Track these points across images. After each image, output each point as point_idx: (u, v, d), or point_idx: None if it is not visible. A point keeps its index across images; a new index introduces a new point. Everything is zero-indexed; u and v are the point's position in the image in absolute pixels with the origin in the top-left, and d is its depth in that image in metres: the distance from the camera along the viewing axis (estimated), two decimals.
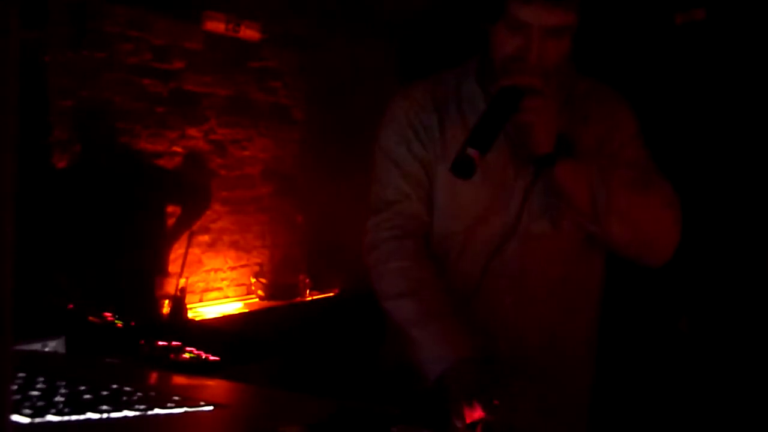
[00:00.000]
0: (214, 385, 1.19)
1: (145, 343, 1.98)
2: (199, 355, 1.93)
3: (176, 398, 0.87)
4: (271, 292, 4.36)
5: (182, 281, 3.46)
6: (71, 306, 2.34)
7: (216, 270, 4.32)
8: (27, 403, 0.79)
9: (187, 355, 1.92)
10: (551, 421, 1.43)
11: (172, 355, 1.92)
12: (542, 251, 1.43)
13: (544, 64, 1.28)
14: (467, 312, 1.37)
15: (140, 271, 3.37)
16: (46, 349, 1.42)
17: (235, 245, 4.42)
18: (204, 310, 4.07)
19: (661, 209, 1.36)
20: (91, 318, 2.22)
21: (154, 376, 1.28)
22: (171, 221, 3.63)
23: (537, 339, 1.45)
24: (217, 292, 4.31)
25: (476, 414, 1.14)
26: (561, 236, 1.43)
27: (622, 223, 1.32)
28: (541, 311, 1.45)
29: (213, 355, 1.93)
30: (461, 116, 1.43)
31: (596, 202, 1.31)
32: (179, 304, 3.41)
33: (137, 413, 0.79)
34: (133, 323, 2.20)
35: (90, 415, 0.77)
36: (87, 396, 0.84)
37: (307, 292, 4.42)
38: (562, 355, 1.47)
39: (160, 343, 1.99)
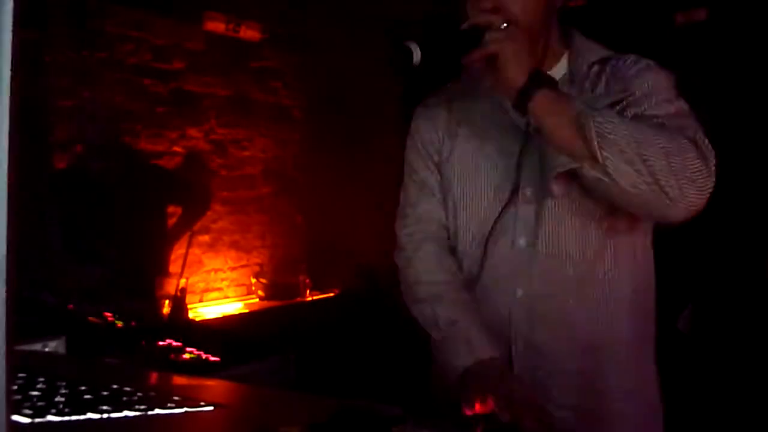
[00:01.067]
0: (214, 385, 1.19)
1: (146, 343, 1.99)
2: (199, 356, 1.93)
3: (176, 398, 0.87)
4: (271, 292, 4.36)
5: (182, 281, 3.46)
6: (71, 306, 2.34)
7: (216, 270, 4.33)
8: (27, 404, 0.79)
9: (187, 356, 1.92)
10: None
11: (172, 356, 1.92)
12: (556, 233, 1.31)
13: (506, 14, 1.24)
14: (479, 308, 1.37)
15: (141, 271, 3.37)
16: (47, 350, 1.42)
17: (235, 245, 4.43)
18: (204, 310, 4.07)
19: (676, 141, 1.15)
20: (91, 318, 2.21)
21: (154, 377, 1.28)
22: (171, 221, 3.63)
23: (560, 339, 1.33)
24: (217, 292, 4.31)
25: (488, 407, 1.14)
26: (577, 215, 1.30)
27: (622, 155, 1.11)
28: (561, 306, 1.32)
29: (213, 356, 1.93)
30: (468, 115, 1.44)
31: (585, 132, 1.12)
32: (179, 305, 3.41)
33: (137, 413, 0.79)
34: (133, 323, 2.19)
35: (90, 415, 0.77)
36: (87, 396, 0.84)
37: (307, 292, 4.42)
38: (596, 359, 1.33)
39: (161, 343, 1.99)
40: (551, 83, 1.19)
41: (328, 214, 4.52)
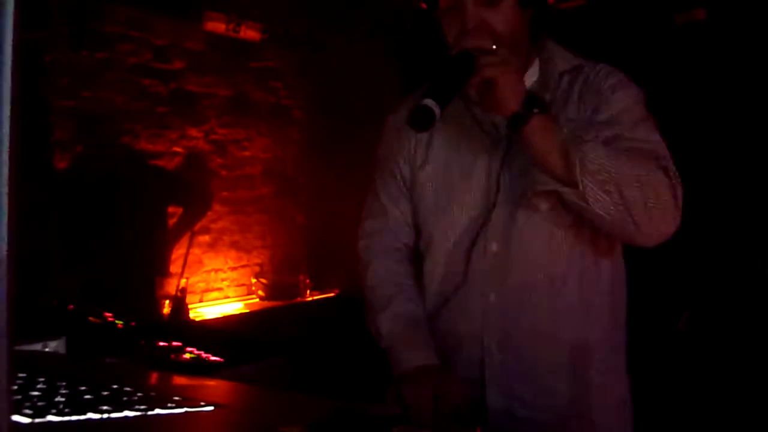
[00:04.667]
0: (214, 385, 1.19)
1: (146, 343, 1.99)
2: (199, 356, 1.93)
3: (177, 398, 0.87)
4: (271, 293, 4.36)
5: (183, 281, 3.46)
6: (71, 306, 2.34)
7: (216, 270, 4.32)
8: (27, 404, 0.79)
9: (187, 356, 1.92)
10: None
11: (172, 356, 1.92)
12: (527, 238, 1.35)
13: (492, 33, 1.26)
14: (446, 315, 1.43)
15: (141, 271, 3.37)
16: (47, 350, 1.42)
17: (235, 245, 4.43)
18: (204, 310, 4.07)
19: (653, 172, 1.21)
20: (91, 318, 2.22)
21: (154, 377, 1.28)
22: (172, 221, 3.63)
23: (531, 343, 1.36)
24: (217, 292, 4.31)
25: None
26: (546, 221, 1.33)
27: (601, 185, 1.18)
28: (532, 311, 1.35)
29: (213, 356, 1.93)
30: (442, 123, 1.46)
31: (569, 159, 1.18)
32: (180, 305, 3.41)
33: (138, 413, 0.79)
34: (133, 323, 2.19)
35: (90, 415, 0.77)
36: (87, 396, 0.84)
37: (307, 292, 4.42)
38: (565, 363, 1.36)
39: (161, 343, 1.99)
40: (543, 107, 1.22)
41: (328, 214, 4.52)
